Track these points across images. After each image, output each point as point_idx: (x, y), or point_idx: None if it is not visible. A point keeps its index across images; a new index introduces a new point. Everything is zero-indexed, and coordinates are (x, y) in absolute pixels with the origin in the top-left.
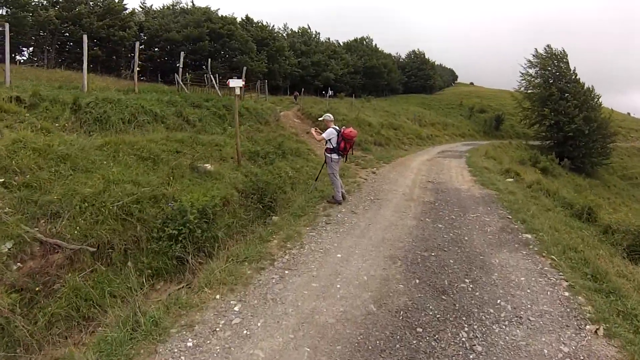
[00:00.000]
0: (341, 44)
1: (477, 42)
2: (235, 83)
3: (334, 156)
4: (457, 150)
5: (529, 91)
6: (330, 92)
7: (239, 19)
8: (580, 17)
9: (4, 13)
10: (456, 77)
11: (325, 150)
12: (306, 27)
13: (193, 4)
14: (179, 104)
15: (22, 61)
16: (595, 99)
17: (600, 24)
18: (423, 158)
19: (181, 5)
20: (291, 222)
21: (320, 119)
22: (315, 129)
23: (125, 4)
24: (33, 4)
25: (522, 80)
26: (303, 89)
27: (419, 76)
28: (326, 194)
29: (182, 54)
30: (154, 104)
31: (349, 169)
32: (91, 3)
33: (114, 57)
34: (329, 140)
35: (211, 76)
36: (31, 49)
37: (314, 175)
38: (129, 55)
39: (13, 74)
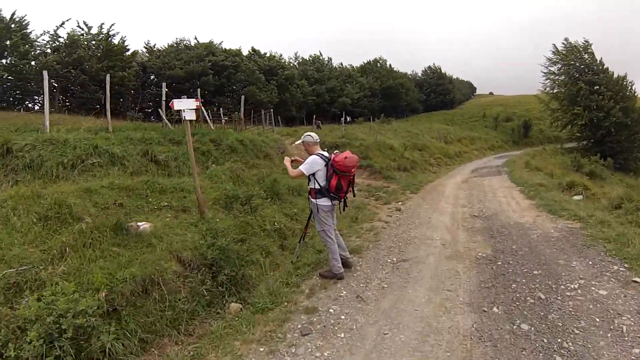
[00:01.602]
0: (355, 67)
1: (483, 50)
2: (182, 105)
3: (323, 202)
4: (492, 166)
5: (555, 91)
6: (348, 118)
7: (245, 52)
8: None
9: (6, 62)
10: (475, 88)
11: (309, 193)
12: (317, 53)
13: (197, 40)
14: (152, 142)
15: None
16: (629, 87)
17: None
18: (456, 180)
19: (185, 42)
20: (242, 326)
21: (297, 142)
22: (292, 158)
23: (127, 46)
24: (35, 53)
25: (546, 80)
26: (320, 117)
27: (438, 92)
28: (323, 259)
29: (163, 85)
30: (116, 143)
31: (364, 209)
32: (92, 45)
33: (120, 99)
34: (313, 176)
35: (203, 109)
36: (41, 96)
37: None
38: (132, 95)
39: None
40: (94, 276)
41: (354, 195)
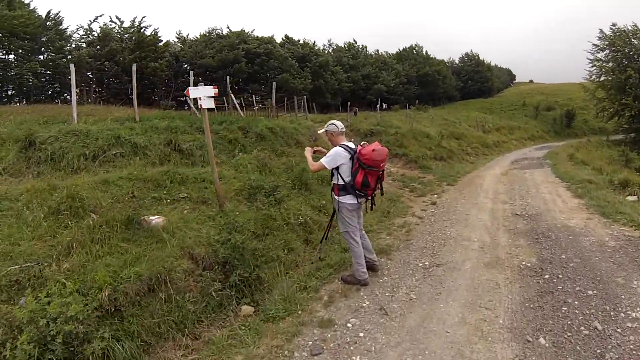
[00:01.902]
0: (391, 54)
1: (524, 38)
2: (199, 92)
3: (347, 200)
4: (533, 157)
5: (602, 79)
6: (384, 105)
7: (278, 40)
8: None
9: (43, 58)
10: (514, 76)
11: (332, 189)
12: (352, 41)
13: (229, 29)
14: (177, 130)
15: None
16: None
17: None
18: (495, 172)
19: (217, 31)
20: (247, 337)
21: (320, 130)
22: (315, 148)
23: (159, 37)
24: (70, 47)
25: (592, 67)
26: (355, 104)
27: (475, 80)
28: (348, 259)
29: (191, 73)
30: (140, 132)
31: (398, 201)
32: (125, 38)
33: (154, 89)
34: (336, 171)
35: (232, 96)
36: (79, 89)
37: None
38: (165, 85)
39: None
40: (97, 274)
41: (382, 194)
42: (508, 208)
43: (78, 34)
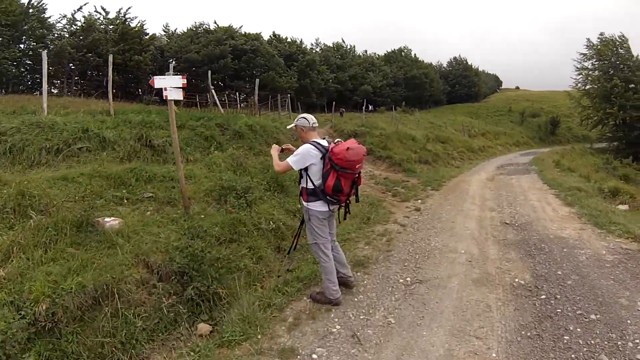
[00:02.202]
0: (379, 56)
1: (510, 46)
2: (165, 82)
3: (317, 208)
4: (519, 163)
5: (587, 87)
6: (370, 107)
7: (266, 37)
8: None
9: (24, 47)
10: (501, 82)
11: (301, 194)
12: (340, 41)
13: (217, 24)
14: (152, 125)
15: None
16: None
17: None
18: (482, 177)
19: (204, 26)
20: None
21: (289, 125)
22: (284, 145)
23: (145, 29)
24: (52, 37)
25: (578, 75)
26: (342, 105)
27: (463, 84)
28: (321, 272)
29: (171, 66)
30: (110, 126)
31: (379, 206)
32: (110, 29)
33: (139, 83)
34: (305, 172)
35: (213, 91)
36: (59, 81)
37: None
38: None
39: None
40: (35, 284)
41: (357, 201)
42: (496, 216)
43: (61, 23)
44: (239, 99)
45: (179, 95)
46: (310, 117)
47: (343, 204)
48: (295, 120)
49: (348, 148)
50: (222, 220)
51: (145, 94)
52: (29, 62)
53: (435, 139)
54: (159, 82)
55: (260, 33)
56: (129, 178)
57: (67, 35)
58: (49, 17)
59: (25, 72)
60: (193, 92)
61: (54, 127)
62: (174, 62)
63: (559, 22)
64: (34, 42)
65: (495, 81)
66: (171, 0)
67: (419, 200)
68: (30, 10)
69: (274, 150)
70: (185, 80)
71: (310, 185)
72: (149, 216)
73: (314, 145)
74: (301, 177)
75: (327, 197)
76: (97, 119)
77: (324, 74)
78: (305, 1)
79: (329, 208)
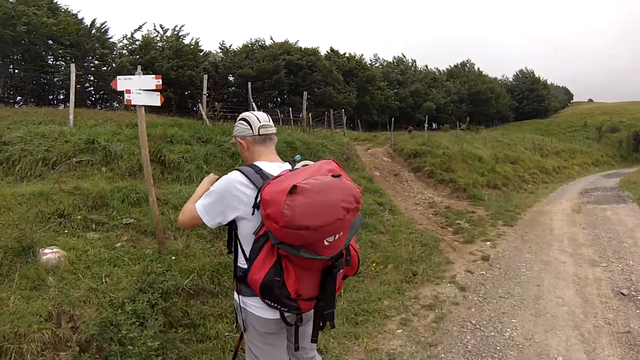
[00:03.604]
0: (441, 71)
1: (578, 55)
2: (132, 84)
3: (257, 311)
4: (606, 187)
5: None
6: (433, 125)
7: (323, 52)
8: None
9: (88, 65)
10: (571, 95)
11: (235, 279)
12: (401, 55)
13: (272, 40)
14: (173, 139)
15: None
16: None
17: None
18: (564, 207)
19: (260, 42)
20: None
21: (231, 139)
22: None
23: (200, 46)
24: (113, 55)
25: None
26: (403, 123)
27: (530, 99)
28: None
29: (205, 77)
30: (124, 139)
31: (434, 250)
32: (166, 46)
33: (192, 98)
34: (233, 231)
35: (254, 105)
36: (120, 96)
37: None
38: (201, 94)
39: None
40: None
41: (333, 327)
42: (602, 277)
43: (122, 42)
44: (292, 115)
45: (152, 100)
46: (255, 119)
47: (313, 310)
48: (237, 122)
49: (299, 189)
50: (203, 264)
51: (200, 109)
52: (93, 79)
53: (504, 159)
54: (122, 83)
55: (317, 48)
56: (113, 198)
57: (126, 53)
58: (111, 37)
59: (90, 88)
60: (244, 106)
61: (58, 137)
62: (206, 76)
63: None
64: (96, 60)
65: (566, 94)
66: (229, 19)
67: (488, 242)
68: (93, 31)
69: (206, 182)
70: (160, 81)
71: (241, 262)
72: (119, 248)
73: (244, 175)
74: (229, 239)
75: (265, 299)
76: (112, 130)
77: (384, 91)
78: (364, 16)
79: (281, 316)
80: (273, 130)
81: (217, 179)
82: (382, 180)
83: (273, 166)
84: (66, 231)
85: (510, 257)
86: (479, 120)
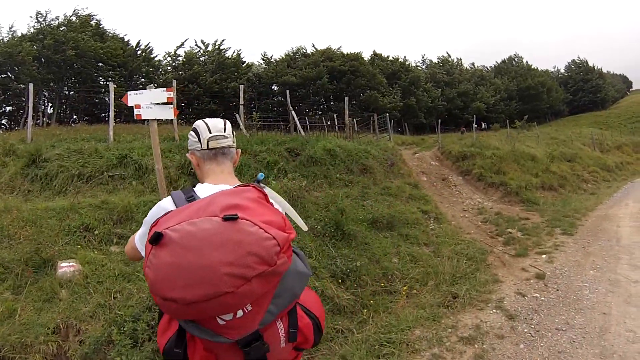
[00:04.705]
0: (489, 68)
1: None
2: (143, 99)
3: None
4: None
5: None
6: (483, 125)
7: (366, 57)
8: None
9: (133, 83)
10: (630, 83)
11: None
12: (446, 55)
13: (314, 47)
14: None
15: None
16: None
17: None
18: (632, 210)
19: (302, 50)
20: None
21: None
22: None
23: (242, 58)
24: (157, 72)
25: None
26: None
27: (585, 90)
28: None
29: (241, 87)
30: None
31: (481, 265)
32: (209, 60)
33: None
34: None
35: (293, 113)
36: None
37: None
38: (247, 105)
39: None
40: None
41: None
42: None
43: (166, 60)
44: (337, 121)
45: (165, 114)
46: (205, 128)
47: None
48: (190, 133)
49: (165, 238)
50: None
51: (238, 119)
52: None
53: (560, 157)
54: (133, 98)
55: (359, 53)
56: (139, 212)
57: (171, 70)
58: (155, 56)
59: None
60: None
61: (92, 154)
62: (242, 86)
63: None
64: (142, 78)
65: (624, 82)
66: (270, 30)
67: (544, 256)
68: (138, 51)
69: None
70: (172, 93)
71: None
72: (134, 264)
73: (174, 203)
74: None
75: None
76: (146, 144)
77: (430, 92)
78: (407, 19)
79: None
80: (227, 142)
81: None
82: (429, 186)
83: (214, 190)
84: (88, 244)
85: (570, 274)
86: (530, 117)
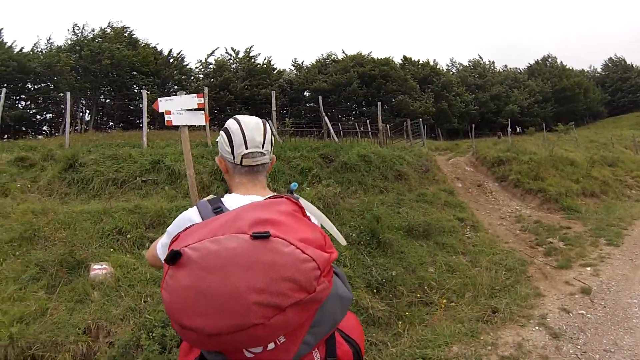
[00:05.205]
0: (522, 70)
1: None
2: (173, 105)
3: None
4: None
5: None
6: (517, 129)
7: (397, 61)
8: None
9: (166, 91)
10: None
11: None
12: (478, 57)
13: (344, 53)
14: None
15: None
16: None
17: None
18: None
19: (332, 56)
20: None
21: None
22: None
23: (273, 64)
24: (190, 79)
25: None
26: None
27: (624, 90)
28: None
29: (273, 93)
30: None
31: (521, 276)
32: (240, 67)
33: (269, 117)
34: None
35: (326, 119)
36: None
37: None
38: (278, 112)
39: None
40: None
41: None
42: None
43: (198, 67)
44: (369, 127)
45: (196, 120)
46: (241, 141)
47: None
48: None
49: (184, 257)
50: None
51: (270, 125)
52: None
53: (601, 162)
54: (163, 104)
55: (390, 57)
56: (171, 217)
57: (202, 77)
58: (187, 64)
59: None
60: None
61: (127, 159)
62: (273, 92)
63: None
64: (175, 85)
65: None
66: (300, 37)
67: (589, 268)
68: (171, 60)
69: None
70: (203, 99)
71: None
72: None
73: (200, 215)
74: None
75: None
76: (179, 150)
77: (462, 96)
78: (436, 22)
79: None
80: (264, 159)
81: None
82: (464, 192)
83: (243, 202)
84: (121, 248)
85: (617, 289)
86: (567, 120)
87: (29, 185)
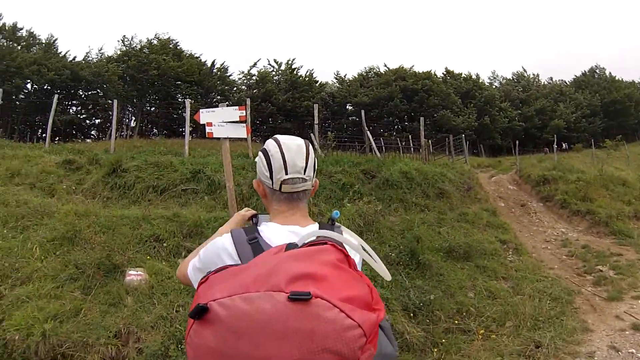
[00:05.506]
0: (568, 82)
1: None
2: (215, 116)
3: None
4: None
5: None
6: (564, 145)
7: (439, 74)
8: None
9: (209, 101)
10: None
11: None
12: (521, 70)
13: (387, 67)
14: None
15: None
16: None
17: None
18: None
19: (374, 70)
20: None
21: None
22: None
23: (315, 77)
24: (233, 90)
25: None
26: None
27: None
28: None
29: (315, 106)
30: (234, 169)
31: (567, 306)
32: (282, 79)
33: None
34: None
35: (368, 133)
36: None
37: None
38: (320, 124)
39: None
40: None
41: None
42: None
43: (241, 78)
44: (411, 142)
45: (238, 132)
46: (280, 166)
47: None
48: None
49: (211, 313)
50: None
51: (313, 139)
52: None
53: None
54: (205, 116)
55: (432, 71)
56: (208, 227)
57: (245, 88)
58: (230, 75)
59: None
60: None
61: (168, 167)
62: (316, 105)
63: None
64: (218, 96)
65: None
66: (343, 49)
67: None
68: (214, 70)
69: (233, 220)
70: (245, 111)
71: None
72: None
73: (234, 245)
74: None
75: None
76: (219, 160)
77: (506, 111)
78: (479, 34)
79: None
80: (306, 186)
81: (252, 216)
82: (507, 212)
83: (282, 232)
84: (157, 255)
85: None
86: (617, 135)
87: (74, 187)
